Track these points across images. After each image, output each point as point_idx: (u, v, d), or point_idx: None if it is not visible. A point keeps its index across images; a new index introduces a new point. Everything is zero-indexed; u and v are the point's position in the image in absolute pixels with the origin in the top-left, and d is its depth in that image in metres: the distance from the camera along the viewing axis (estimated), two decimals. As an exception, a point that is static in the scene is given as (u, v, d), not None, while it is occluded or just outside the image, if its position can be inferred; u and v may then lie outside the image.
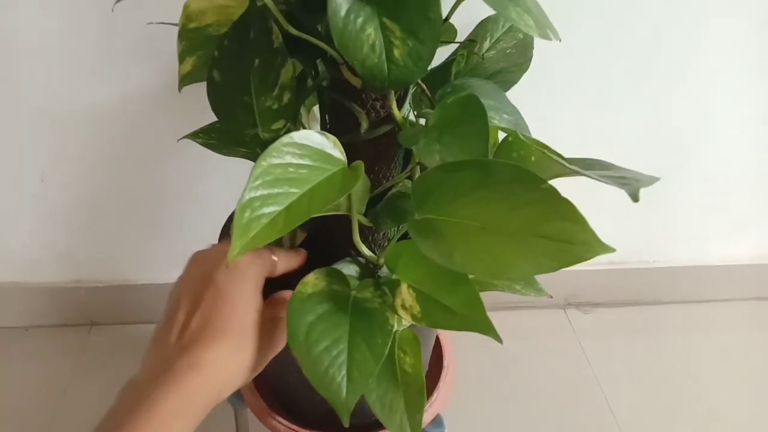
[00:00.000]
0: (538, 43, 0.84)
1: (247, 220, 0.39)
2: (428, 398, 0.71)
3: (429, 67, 0.64)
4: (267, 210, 0.40)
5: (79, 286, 1.00)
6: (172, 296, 0.47)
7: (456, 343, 0.96)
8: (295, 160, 0.43)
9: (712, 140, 0.96)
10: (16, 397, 0.94)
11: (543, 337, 1.05)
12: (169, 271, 0.99)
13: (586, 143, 0.95)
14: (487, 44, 0.61)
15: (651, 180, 0.41)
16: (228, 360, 0.42)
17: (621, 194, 1.11)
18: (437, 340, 0.79)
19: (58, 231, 0.95)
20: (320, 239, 0.62)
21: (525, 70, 0.59)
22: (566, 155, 1.00)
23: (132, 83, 0.82)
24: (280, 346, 0.46)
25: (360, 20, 0.44)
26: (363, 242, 0.55)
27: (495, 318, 1.18)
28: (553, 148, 1.00)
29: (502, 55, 0.60)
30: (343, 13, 0.44)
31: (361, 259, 0.56)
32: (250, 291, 0.44)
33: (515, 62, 0.59)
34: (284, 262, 0.50)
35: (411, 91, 0.57)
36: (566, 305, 1.10)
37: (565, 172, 0.43)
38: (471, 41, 0.61)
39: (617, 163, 0.98)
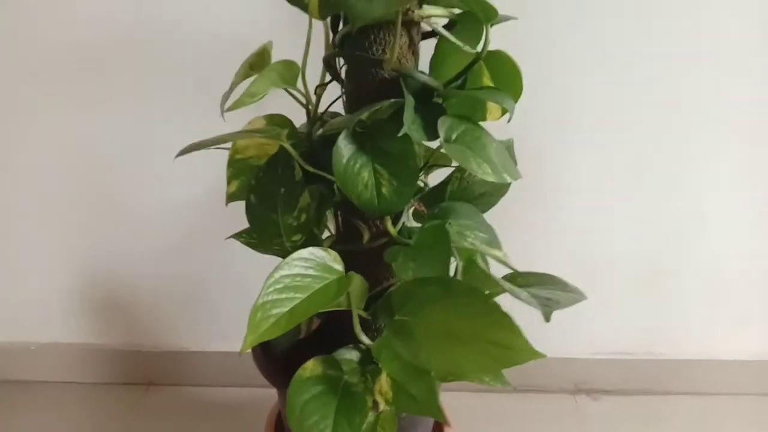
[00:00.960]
0: (541, 152, 0.97)
1: (259, 320, 0.52)
2: (425, 473, 0.79)
3: (431, 184, 0.78)
4: (275, 311, 0.53)
5: (141, 350, 1.16)
6: None
7: (464, 419, 1.03)
8: (302, 271, 0.56)
9: (710, 240, 1.03)
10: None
11: (550, 421, 1.11)
12: (217, 342, 1.14)
13: (589, 241, 1.04)
14: (476, 170, 0.73)
15: (575, 300, 0.51)
16: None
17: (630, 292, 1.19)
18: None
19: (126, 303, 1.12)
20: (332, 326, 0.74)
21: (503, 194, 0.71)
22: (567, 252, 1.09)
23: (198, 189, 1.01)
24: None
25: (357, 165, 0.58)
26: (367, 330, 0.67)
27: (508, 399, 1.25)
28: (557, 244, 1.10)
29: (487, 181, 0.72)
30: (345, 161, 0.58)
31: (362, 346, 0.68)
32: None
33: (496, 187, 0.71)
34: None
35: (408, 210, 0.69)
36: (576, 391, 1.15)
37: (502, 290, 0.54)
38: (461, 167, 0.73)
39: (620, 258, 1.06)
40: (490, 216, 0.70)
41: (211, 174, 0.97)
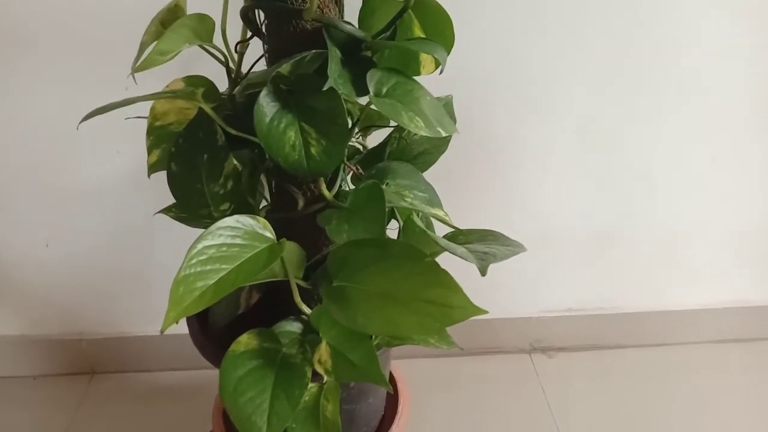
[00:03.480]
0: (486, 112, 0.95)
1: (182, 294, 0.48)
2: (379, 441, 0.78)
3: (370, 147, 0.74)
4: (199, 284, 0.49)
5: (82, 338, 1.10)
6: None
7: (420, 385, 1.02)
8: (228, 240, 0.53)
9: (657, 196, 1.04)
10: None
11: (507, 381, 1.11)
12: (160, 324, 1.09)
13: (538, 200, 1.03)
14: (414, 128, 0.70)
15: (513, 252, 0.49)
16: None
17: (580, 250, 1.19)
18: (395, 387, 0.86)
19: (62, 289, 1.06)
20: (274, 299, 0.71)
21: (443, 152, 0.69)
22: (517, 212, 1.08)
23: (128, 161, 0.95)
24: None
25: (282, 125, 0.55)
26: (309, 301, 0.64)
27: (465, 362, 1.26)
28: (506, 204, 1.09)
29: (426, 138, 0.69)
30: (268, 120, 0.54)
31: (304, 316, 0.65)
32: None
33: (435, 144, 0.69)
34: None
35: (345, 173, 0.66)
36: (531, 350, 1.16)
37: (441, 249, 0.51)
38: (400, 127, 0.70)
39: (570, 217, 1.06)
40: (436, 180, 0.68)
41: (138, 145, 0.92)
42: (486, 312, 0.49)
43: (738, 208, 1.07)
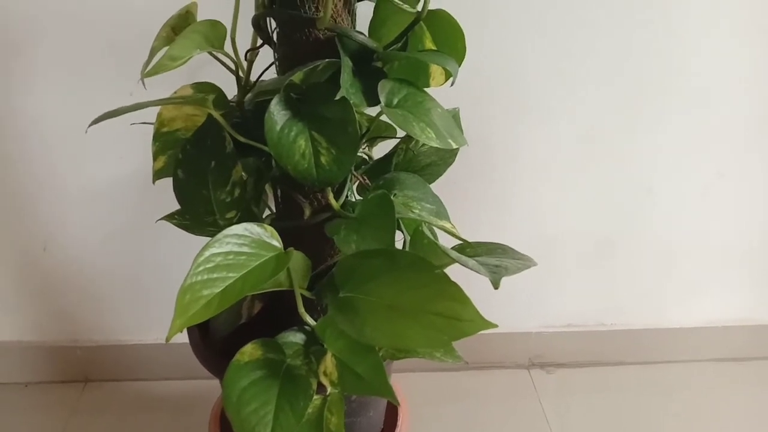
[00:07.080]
0: (489, 124, 0.95)
1: (188, 301, 0.47)
2: (379, 455, 0.77)
3: (375, 158, 0.74)
4: (205, 292, 0.48)
5: (76, 345, 1.09)
6: None
7: (419, 398, 1.01)
8: (235, 248, 0.52)
9: (657, 211, 1.04)
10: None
11: (505, 396, 1.10)
12: (157, 332, 1.08)
13: (539, 213, 1.03)
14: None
15: (524, 266, 0.49)
16: None
17: (579, 264, 1.18)
18: (394, 399, 0.85)
19: (58, 295, 1.04)
20: (277, 309, 0.71)
21: (450, 164, 0.68)
22: (517, 226, 1.08)
23: (130, 167, 0.94)
24: None
25: (293, 134, 0.54)
26: (313, 311, 0.63)
27: (463, 377, 1.24)
28: (506, 217, 1.09)
29: (434, 150, 0.69)
30: (278, 128, 0.54)
31: (307, 327, 0.64)
32: None
33: (443, 156, 0.68)
34: None
35: (351, 183, 0.66)
36: (530, 365, 1.15)
37: (450, 261, 0.51)
38: (408, 137, 0.70)
39: (570, 230, 1.06)
40: (439, 191, 0.68)
41: (142, 151, 0.91)
42: (496, 326, 0.48)
43: (740, 223, 1.07)
